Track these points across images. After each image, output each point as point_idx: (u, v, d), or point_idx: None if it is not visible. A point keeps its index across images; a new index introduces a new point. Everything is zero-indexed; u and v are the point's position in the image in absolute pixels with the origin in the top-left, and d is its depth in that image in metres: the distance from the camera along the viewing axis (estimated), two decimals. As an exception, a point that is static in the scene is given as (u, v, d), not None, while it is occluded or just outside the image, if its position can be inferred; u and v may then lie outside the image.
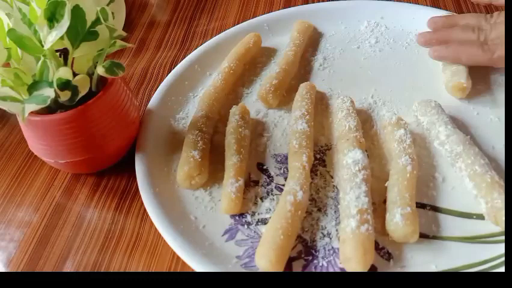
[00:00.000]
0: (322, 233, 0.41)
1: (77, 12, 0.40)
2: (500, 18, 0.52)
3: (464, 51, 0.51)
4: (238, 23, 0.63)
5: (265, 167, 0.47)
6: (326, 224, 0.42)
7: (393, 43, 0.58)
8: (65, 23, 0.39)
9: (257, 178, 0.46)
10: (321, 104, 0.52)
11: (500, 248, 0.38)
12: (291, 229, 0.39)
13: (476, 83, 0.51)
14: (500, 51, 0.49)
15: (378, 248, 0.40)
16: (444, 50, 0.52)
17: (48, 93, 0.39)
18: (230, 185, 0.43)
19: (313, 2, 0.64)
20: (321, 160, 0.47)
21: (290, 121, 0.49)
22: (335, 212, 0.42)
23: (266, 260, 0.38)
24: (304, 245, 0.41)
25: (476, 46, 0.51)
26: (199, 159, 0.45)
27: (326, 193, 0.44)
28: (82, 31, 0.41)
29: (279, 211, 0.41)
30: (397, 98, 0.51)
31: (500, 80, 0.51)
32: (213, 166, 0.47)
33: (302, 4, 0.67)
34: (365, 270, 0.37)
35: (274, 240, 0.38)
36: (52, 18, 0.39)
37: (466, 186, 0.42)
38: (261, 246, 0.39)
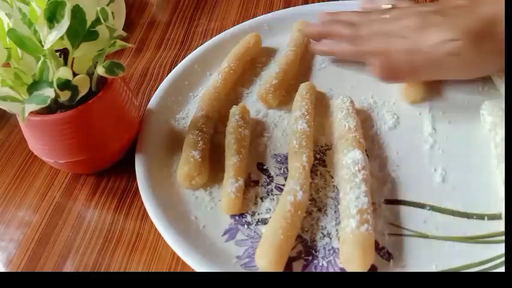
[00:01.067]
0: (322, 233, 0.41)
1: (77, 12, 0.40)
2: (381, 15, 0.51)
3: (337, 45, 0.52)
4: (238, 23, 0.63)
5: (265, 167, 0.47)
6: (326, 224, 0.42)
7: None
8: (65, 23, 0.39)
9: (257, 178, 0.46)
10: (321, 104, 0.52)
11: (500, 248, 0.38)
12: (291, 229, 0.39)
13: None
14: (365, 46, 0.49)
15: (378, 248, 0.40)
16: (320, 44, 0.53)
17: (49, 93, 0.39)
18: (230, 185, 0.43)
19: (313, 2, 0.64)
20: (321, 160, 0.47)
21: (290, 121, 0.49)
22: (335, 212, 0.42)
23: (266, 260, 0.38)
24: (304, 245, 0.41)
25: (347, 40, 0.51)
26: (200, 159, 0.45)
27: (326, 193, 0.44)
28: (82, 31, 0.41)
29: (279, 211, 0.41)
30: (397, 98, 0.51)
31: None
32: (213, 166, 0.47)
33: (302, 4, 0.67)
34: (365, 270, 0.37)
35: (274, 240, 0.38)
36: (52, 18, 0.39)
37: (466, 186, 0.42)
38: (261, 246, 0.39)
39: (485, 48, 0.43)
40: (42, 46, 0.40)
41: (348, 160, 0.43)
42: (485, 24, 0.43)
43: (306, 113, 0.48)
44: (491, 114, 0.46)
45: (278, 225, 0.39)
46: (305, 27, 0.57)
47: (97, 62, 0.44)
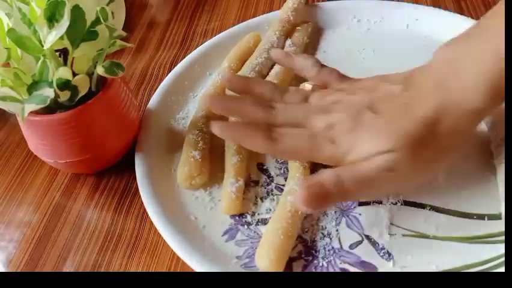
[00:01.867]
0: (322, 233, 0.41)
1: (77, 12, 0.40)
2: (296, 97, 0.43)
3: (249, 138, 0.39)
4: (238, 23, 0.63)
5: (265, 167, 0.47)
6: (326, 224, 0.42)
7: (394, 43, 0.58)
8: (64, 23, 0.39)
9: (257, 178, 0.46)
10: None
11: (500, 248, 0.38)
12: (291, 229, 0.39)
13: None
14: (284, 145, 0.38)
15: (378, 248, 0.40)
16: (226, 128, 0.41)
17: (48, 93, 0.39)
18: (230, 185, 0.43)
19: (314, 2, 0.64)
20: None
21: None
22: (335, 212, 0.42)
23: (266, 260, 0.38)
24: (305, 245, 0.41)
25: (260, 131, 0.39)
26: (200, 160, 0.45)
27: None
28: (81, 31, 0.41)
29: (279, 211, 0.41)
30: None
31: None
32: (213, 166, 0.47)
33: (302, 4, 0.67)
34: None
35: (274, 240, 0.38)
36: (52, 18, 0.39)
37: (466, 186, 0.42)
38: (261, 246, 0.39)
39: (421, 157, 0.36)
40: (42, 46, 0.40)
41: None
42: (424, 127, 0.35)
43: None
44: (492, 114, 0.46)
45: (278, 225, 0.39)
46: (205, 101, 0.47)
47: (96, 62, 0.44)
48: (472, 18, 0.59)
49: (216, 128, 0.40)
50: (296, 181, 0.42)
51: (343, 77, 0.45)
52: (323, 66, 0.46)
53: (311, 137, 0.39)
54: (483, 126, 0.47)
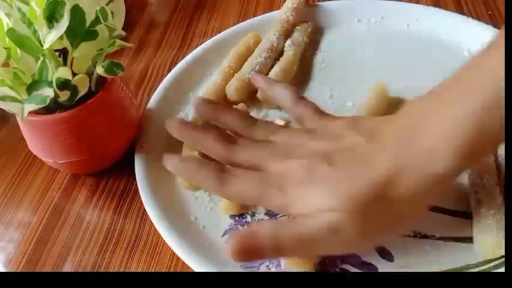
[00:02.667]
0: (322, 233, 0.41)
1: (77, 12, 0.40)
2: (268, 135, 0.41)
3: (202, 177, 0.38)
4: (238, 23, 0.63)
5: (265, 167, 0.47)
6: (326, 224, 0.42)
7: (394, 43, 0.58)
8: (64, 22, 0.39)
9: (257, 178, 0.46)
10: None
11: (501, 248, 0.38)
12: None
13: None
14: (232, 187, 0.37)
15: (378, 248, 0.40)
16: (177, 165, 0.40)
17: (48, 93, 0.39)
18: (230, 185, 0.43)
19: (314, 2, 0.64)
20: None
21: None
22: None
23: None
24: (304, 245, 0.41)
25: (212, 169, 0.38)
26: (199, 159, 0.45)
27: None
28: (81, 31, 0.41)
29: None
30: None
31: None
32: (212, 166, 0.47)
33: (302, 4, 0.66)
34: None
35: None
36: (51, 18, 0.39)
37: (466, 186, 0.42)
38: None
39: (371, 223, 0.33)
40: (42, 46, 0.40)
41: None
42: (377, 188, 0.32)
43: None
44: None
45: None
46: (171, 126, 0.44)
47: (96, 62, 0.43)
48: (472, 17, 0.59)
49: (169, 165, 0.40)
50: None
51: (318, 112, 0.42)
52: (301, 98, 0.44)
53: (262, 182, 0.36)
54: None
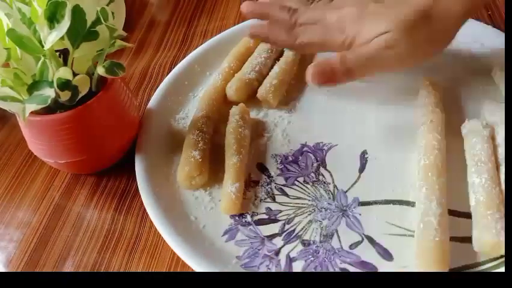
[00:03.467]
0: (322, 233, 0.41)
1: (77, 12, 0.40)
2: (318, 4, 0.50)
3: (272, 32, 0.49)
4: (238, 23, 0.63)
5: (265, 167, 0.47)
6: (326, 224, 0.42)
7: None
8: (65, 23, 0.39)
9: (257, 178, 0.46)
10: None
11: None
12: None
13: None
14: (302, 38, 0.47)
15: (378, 248, 0.40)
16: (255, 27, 0.50)
17: (49, 93, 0.39)
18: (230, 185, 0.43)
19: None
20: (322, 160, 0.47)
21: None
22: (335, 212, 0.42)
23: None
24: (305, 245, 0.41)
25: (284, 29, 0.48)
26: (200, 160, 0.45)
27: (325, 194, 0.44)
28: (82, 31, 0.41)
29: None
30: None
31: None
32: (212, 166, 0.47)
33: (302, 4, 0.67)
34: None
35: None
36: (52, 19, 0.39)
37: (466, 186, 0.42)
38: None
39: (418, 37, 0.43)
40: (42, 46, 0.40)
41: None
42: (418, 10, 0.42)
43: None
44: (492, 114, 0.46)
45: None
46: (242, 7, 0.51)
47: (97, 62, 0.44)
48: (472, 17, 0.59)
49: (251, 28, 0.50)
50: None
51: None
52: None
53: (325, 29, 0.46)
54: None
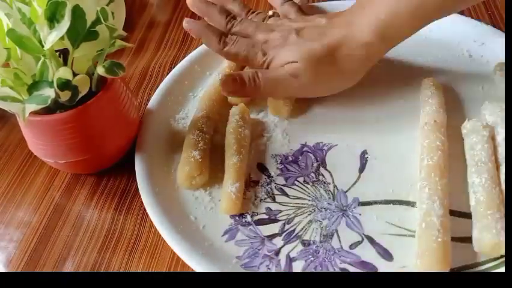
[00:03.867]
0: (322, 233, 0.41)
1: (77, 12, 0.40)
2: (257, 17, 0.55)
3: (206, 35, 0.50)
4: (238, 23, 0.62)
5: (265, 167, 0.47)
6: (326, 224, 0.42)
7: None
8: (65, 23, 0.39)
9: (257, 178, 0.46)
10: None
11: (501, 248, 0.38)
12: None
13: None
14: (230, 48, 0.49)
15: (378, 248, 0.40)
16: (193, 23, 0.51)
17: (49, 93, 0.39)
18: (230, 185, 0.43)
19: (314, 2, 0.64)
20: (322, 160, 0.47)
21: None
22: (335, 212, 0.42)
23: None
24: (305, 245, 0.41)
25: (216, 33, 0.50)
26: (200, 160, 0.45)
27: (324, 194, 0.44)
28: (82, 31, 0.41)
29: None
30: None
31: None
32: (213, 166, 0.47)
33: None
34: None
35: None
36: (52, 19, 0.39)
37: (466, 186, 0.42)
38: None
39: (321, 71, 0.47)
40: (42, 46, 0.40)
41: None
42: (327, 49, 0.46)
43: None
44: (492, 114, 0.46)
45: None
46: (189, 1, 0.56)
47: (97, 62, 0.44)
48: (472, 18, 0.59)
49: (185, 22, 0.51)
50: None
51: (300, 12, 0.56)
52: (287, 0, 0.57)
53: (251, 46, 0.49)
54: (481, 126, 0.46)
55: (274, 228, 0.42)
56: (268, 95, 0.50)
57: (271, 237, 0.42)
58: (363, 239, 0.41)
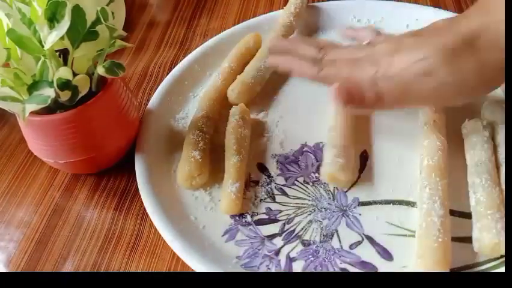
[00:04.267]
0: (322, 233, 0.41)
1: (77, 12, 0.40)
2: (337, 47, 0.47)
3: (296, 63, 0.46)
4: (238, 23, 0.63)
5: (265, 167, 0.47)
6: (326, 224, 0.42)
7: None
8: (65, 23, 0.39)
9: (257, 178, 0.46)
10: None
11: (500, 248, 0.38)
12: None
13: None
14: (327, 70, 0.44)
15: (378, 248, 0.40)
16: (279, 58, 0.48)
17: (49, 93, 0.39)
18: (230, 185, 0.43)
19: (313, 2, 0.64)
20: (322, 160, 0.47)
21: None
22: (335, 212, 0.42)
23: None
24: (305, 245, 0.41)
25: (309, 60, 0.45)
26: (200, 160, 0.45)
27: (324, 194, 0.44)
28: (82, 31, 0.41)
29: None
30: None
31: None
32: (212, 166, 0.47)
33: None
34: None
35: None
36: (52, 19, 0.39)
37: (466, 186, 0.42)
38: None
39: (462, 66, 0.38)
40: (42, 46, 0.40)
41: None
42: (463, 39, 0.38)
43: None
44: (492, 114, 0.46)
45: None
46: (269, 41, 0.52)
47: (97, 62, 0.44)
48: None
49: (271, 58, 0.49)
50: None
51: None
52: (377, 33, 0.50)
53: (353, 62, 0.43)
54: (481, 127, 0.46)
55: (274, 228, 0.42)
56: (396, 105, 0.42)
57: (271, 237, 0.42)
58: (363, 239, 0.41)
